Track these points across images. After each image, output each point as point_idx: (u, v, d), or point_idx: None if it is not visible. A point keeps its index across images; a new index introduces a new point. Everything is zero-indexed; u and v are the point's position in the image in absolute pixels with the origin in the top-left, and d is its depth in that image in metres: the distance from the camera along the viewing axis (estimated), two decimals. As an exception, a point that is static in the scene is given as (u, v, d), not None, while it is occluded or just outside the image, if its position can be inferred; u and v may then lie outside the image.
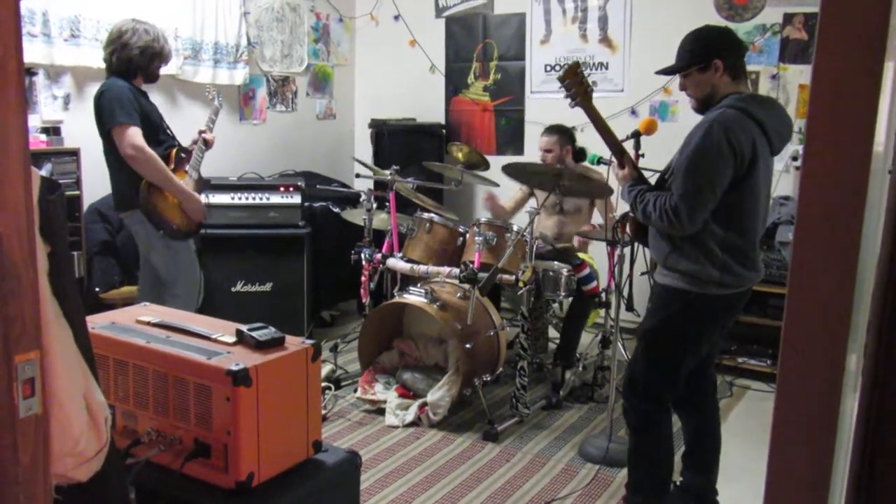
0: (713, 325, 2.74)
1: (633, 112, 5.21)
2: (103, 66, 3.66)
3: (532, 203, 4.62)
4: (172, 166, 3.65)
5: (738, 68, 2.65)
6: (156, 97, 4.00)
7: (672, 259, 2.66)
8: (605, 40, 5.35)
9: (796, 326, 0.99)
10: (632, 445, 2.87)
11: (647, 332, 2.79)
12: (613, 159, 3.10)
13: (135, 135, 3.45)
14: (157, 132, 3.65)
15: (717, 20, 4.83)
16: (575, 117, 5.40)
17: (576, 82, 2.77)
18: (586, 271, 4.24)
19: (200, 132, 3.86)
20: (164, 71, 3.81)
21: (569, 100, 2.81)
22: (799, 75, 4.73)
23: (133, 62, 3.57)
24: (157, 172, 3.52)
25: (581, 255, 4.46)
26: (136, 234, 3.71)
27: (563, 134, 4.46)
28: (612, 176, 2.98)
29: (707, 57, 2.61)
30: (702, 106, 2.68)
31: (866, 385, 1.01)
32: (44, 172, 3.92)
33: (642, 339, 2.83)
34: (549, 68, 5.61)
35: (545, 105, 5.55)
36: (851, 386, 1.12)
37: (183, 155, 3.72)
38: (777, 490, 1.03)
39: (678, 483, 3.09)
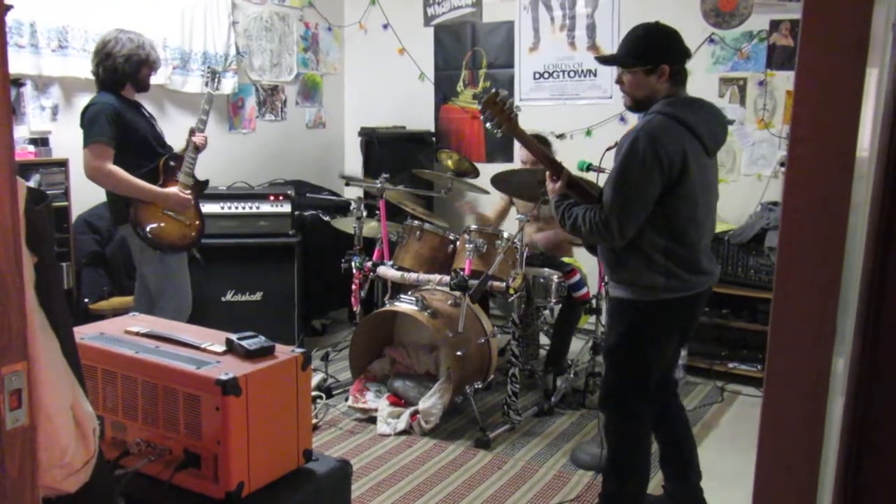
0: (669, 330, 2.72)
1: (622, 119, 5.24)
2: (91, 76, 3.65)
3: (514, 211, 4.63)
4: (162, 179, 3.62)
5: (681, 74, 2.63)
6: (144, 107, 3.97)
7: (618, 271, 2.65)
8: (594, 48, 5.37)
9: (782, 331, 1.00)
10: (609, 458, 2.85)
11: (609, 349, 2.78)
12: (603, 166, 3.11)
13: (97, 156, 3.43)
14: (148, 145, 3.62)
15: (705, 27, 4.87)
16: (563, 125, 5.46)
17: (497, 111, 2.69)
18: (577, 277, 4.26)
19: (190, 133, 3.77)
20: (152, 81, 3.78)
21: (496, 129, 2.72)
22: (786, 81, 4.75)
23: (118, 71, 3.53)
24: (120, 185, 3.50)
25: (570, 260, 4.46)
26: (131, 245, 3.71)
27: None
28: (601, 180, 2.98)
29: (655, 60, 2.57)
30: (636, 106, 2.66)
31: (853, 388, 1.02)
32: (32, 183, 3.91)
33: (607, 356, 2.82)
34: (537, 76, 5.63)
35: (534, 113, 5.56)
36: (838, 390, 1.13)
37: (172, 164, 3.68)
38: (765, 494, 1.04)
39: (662, 488, 3.08)
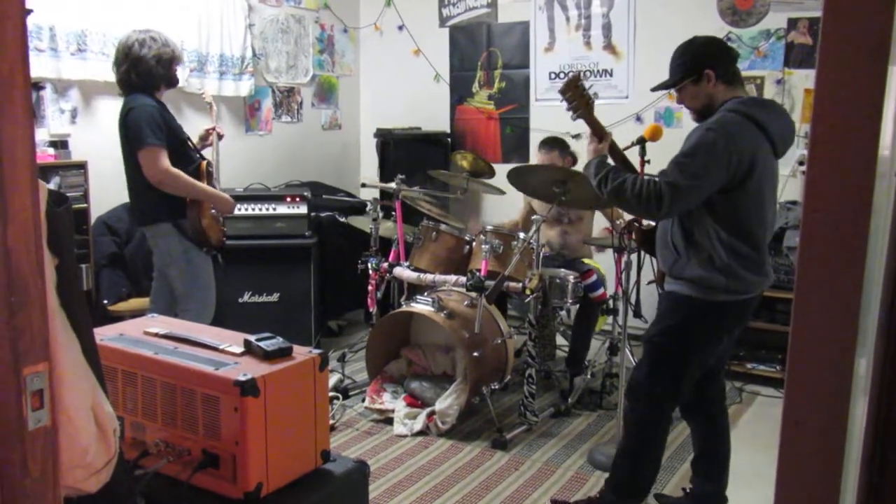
0: (720, 332, 2.72)
1: (639, 118, 5.21)
2: (111, 79, 3.64)
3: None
4: (206, 181, 3.62)
5: (732, 74, 2.66)
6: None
7: (678, 267, 2.65)
8: (609, 47, 5.36)
9: (804, 331, 0.99)
10: (622, 446, 2.87)
11: (652, 338, 2.78)
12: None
13: (161, 158, 3.38)
14: (185, 146, 3.61)
15: (721, 26, 4.84)
16: (579, 126, 5.44)
17: (577, 95, 2.77)
18: (593, 278, 4.24)
19: (212, 132, 3.85)
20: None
21: (570, 112, 2.81)
22: (804, 80, 4.72)
23: (153, 73, 3.49)
24: (186, 188, 3.48)
25: (588, 261, 4.45)
26: (156, 246, 3.65)
27: (561, 147, 4.47)
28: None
29: (697, 68, 2.63)
30: (701, 116, 2.69)
31: (876, 389, 1.01)
32: (52, 186, 3.95)
33: (647, 344, 2.82)
34: (553, 76, 5.61)
35: (550, 113, 5.55)
36: (861, 390, 1.12)
37: (211, 170, 3.70)
38: (787, 495, 1.03)
39: (688, 490, 3.07)
